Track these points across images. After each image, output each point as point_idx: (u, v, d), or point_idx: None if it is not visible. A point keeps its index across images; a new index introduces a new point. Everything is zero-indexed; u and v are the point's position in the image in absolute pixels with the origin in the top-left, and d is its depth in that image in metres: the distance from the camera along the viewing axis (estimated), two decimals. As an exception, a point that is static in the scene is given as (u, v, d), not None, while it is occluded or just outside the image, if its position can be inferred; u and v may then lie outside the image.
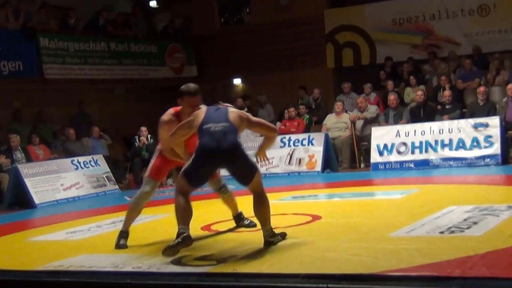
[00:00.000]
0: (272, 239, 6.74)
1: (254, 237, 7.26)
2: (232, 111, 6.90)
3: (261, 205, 6.80)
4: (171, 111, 7.51)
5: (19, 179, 13.34)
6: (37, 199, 13.25)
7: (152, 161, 7.68)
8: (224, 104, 7.17)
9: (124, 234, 7.58)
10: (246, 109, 17.77)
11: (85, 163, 14.67)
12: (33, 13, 17.41)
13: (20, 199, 13.31)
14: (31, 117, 17.21)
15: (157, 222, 9.43)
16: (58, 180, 13.92)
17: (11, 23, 16.47)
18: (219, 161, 6.64)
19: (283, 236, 6.90)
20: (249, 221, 8.05)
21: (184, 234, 6.27)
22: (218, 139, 6.50)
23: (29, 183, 13.34)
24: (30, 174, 13.50)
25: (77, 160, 14.63)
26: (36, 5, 17.78)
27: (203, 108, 6.96)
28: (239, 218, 8.12)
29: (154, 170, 7.56)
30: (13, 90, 16.83)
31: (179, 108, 7.46)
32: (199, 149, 6.55)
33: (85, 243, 8.08)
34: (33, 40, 16.53)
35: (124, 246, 7.41)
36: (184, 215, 6.48)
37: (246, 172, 6.76)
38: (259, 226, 6.96)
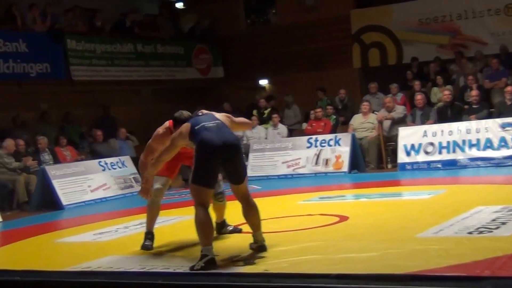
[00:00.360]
0: (264, 243, 6.65)
1: (282, 238, 7.27)
2: (217, 114, 6.92)
3: (253, 210, 6.71)
4: (166, 124, 7.54)
5: (47, 181, 13.40)
6: (64, 201, 13.30)
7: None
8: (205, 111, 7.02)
9: (148, 235, 7.63)
10: (269, 109, 17.82)
11: (112, 164, 14.73)
12: (60, 15, 17.52)
13: (47, 200, 13.37)
14: (58, 119, 17.31)
15: (184, 223, 9.43)
16: (86, 181, 13.97)
17: (39, 25, 16.59)
18: (222, 153, 6.42)
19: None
20: (232, 227, 8.04)
21: (208, 257, 6.15)
22: (217, 132, 6.48)
23: (56, 184, 13.40)
24: (58, 175, 13.57)
25: (104, 161, 14.69)
26: (63, 7, 17.89)
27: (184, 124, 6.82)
28: (222, 225, 8.05)
29: (163, 168, 7.55)
30: (40, 92, 16.97)
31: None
32: (201, 146, 6.42)
33: (112, 244, 8.13)
34: (60, 42, 16.63)
35: (150, 247, 7.46)
36: (206, 233, 6.35)
37: (241, 170, 6.69)
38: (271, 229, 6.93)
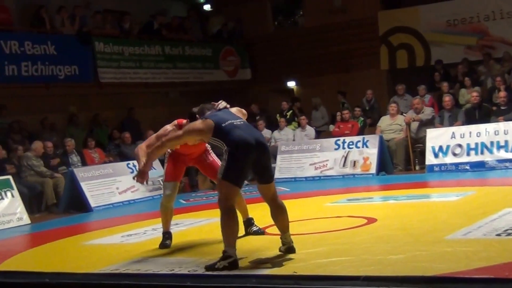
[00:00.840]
0: (293, 245, 6.60)
1: (310, 240, 7.28)
2: (233, 110, 6.99)
3: (282, 212, 6.67)
4: (175, 122, 7.84)
5: (75, 183, 13.49)
6: (93, 203, 13.38)
7: (165, 166, 8.06)
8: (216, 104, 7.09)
9: (166, 235, 7.91)
10: (291, 111, 17.84)
11: (140, 166, 14.75)
12: (88, 17, 17.64)
13: (76, 202, 13.46)
14: (86, 121, 17.43)
15: (212, 225, 9.43)
16: (114, 183, 14.03)
17: (67, 28, 16.71)
18: (256, 152, 6.40)
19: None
20: (257, 228, 8.08)
21: (231, 259, 6.16)
22: (249, 131, 6.51)
23: (85, 186, 13.47)
24: (86, 177, 13.64)
25: (133, 163, 14.73)
26: (92, 10, 18.01)
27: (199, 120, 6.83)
28: (249, 224, 8.10)
29: (169, 173, 7.94)
30: (68, 94, 17.09)
31: (183, 121, 7.69)
32: (236, 144, 6.36)
33: (140, 246, 8.16)
34: (88, 44, 16.73)
35: (168, 245, 7.75)
36: (230, 233, 6.34)
37: (271, 169, 6.76)
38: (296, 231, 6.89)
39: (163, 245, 7.77)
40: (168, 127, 7.74)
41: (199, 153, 7.95)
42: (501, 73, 16.54)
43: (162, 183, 7.91)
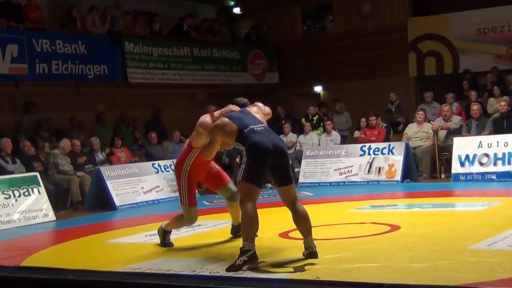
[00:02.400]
0: (315, 249, 6.63)
1: (333, 246, 7.27)
2: (255, 112, 7.10)
3: (303, 216, 6.76)
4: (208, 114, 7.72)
5: (101, 181, 13.59)
6: (117, 201, 13.46)
7: (185, 191, 7.82)
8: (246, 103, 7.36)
9: (168, 233, 8.07)
10: (317, 116, 17.83)
11: (165, 166, 14.83)
12: (119, 18, 17.75)
13: (101, 200, 13.56)
14: (113, 120, 17.55)
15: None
16: (139, 183, 14.10)
17: (98, 27, 16.84)
18: (273, 157, 6.58)
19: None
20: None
21: (249, 252, 6.28)
22: (267, 136, 6.66)
23: (110, 185, 13.56)
24: (112, 176, 13.73)
25: (158, 163, 14.82)
26: (122, 10, 18.13)
27: (225, 119, 6.99)
28: (239, 229, 7.89)
29: (193, 198, 7.87)
30: (97, 93, 17.21)
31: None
32: (253, 149, 6.58)
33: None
34: (118, 44, 16.84)
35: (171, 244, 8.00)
36: (251, 229, 6.49)
37: (290, 172, 6.85)
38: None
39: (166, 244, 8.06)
40: (207, 118, 7.62)
41: (210, 162, 8.00)
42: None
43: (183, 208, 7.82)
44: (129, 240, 8.99)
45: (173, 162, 15.14)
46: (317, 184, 14.89)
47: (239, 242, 7.89)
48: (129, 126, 17.53)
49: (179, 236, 8.95)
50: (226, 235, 8.67)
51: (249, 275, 5.96)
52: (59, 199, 13.70)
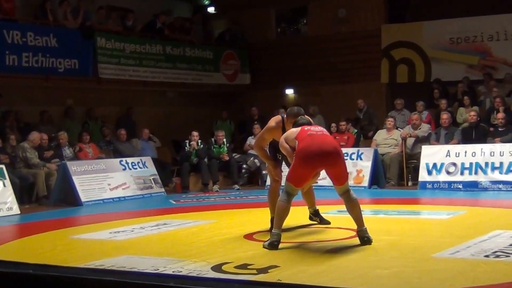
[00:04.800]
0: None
1: (298, 249, 7.27)
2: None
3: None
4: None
5: (67, 176, 13.47)
6: (83, 197, 13.35)
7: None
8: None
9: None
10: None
11: (133, 164, 14.76)
12: (92, 12, 17.61)
13: (66, 196, 13.44)
14: (82, 115, 17.42)
15: (200, 227, 9.46)
16: (106, 179, 14.01)
17: (70, 21, 16.68)
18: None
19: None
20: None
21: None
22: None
23: (76, 180, 13.44)
24: (78, 172, 13.62)
25: (126, 160, 14.74)
26: (96, 5, 17.99)
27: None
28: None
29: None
30: (67, 87, 17.04)
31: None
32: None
33: (127, 244, 8.14)
34: (90, 39, 16.70)
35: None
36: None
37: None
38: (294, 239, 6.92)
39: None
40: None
41: None
42: (501, 94, 16.53)
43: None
44: (94, 237, 8.92)
45: (141, 159, 15.07)
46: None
47: (203, 242, 7.87)
48: (97, 121, 17.39)
49: (143, 234, 8.89)
50: (191, 235, 8.65)
51: (211, 276, 5.91)
52: (24, 192, 13.55)
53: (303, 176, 7.43)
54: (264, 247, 7.26)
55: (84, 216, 12.27)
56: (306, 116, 8.15)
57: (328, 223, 8.96)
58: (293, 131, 7.59)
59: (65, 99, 17.27)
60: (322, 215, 9.19)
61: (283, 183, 8.07)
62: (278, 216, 7.38)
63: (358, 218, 7.44)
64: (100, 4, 18.07)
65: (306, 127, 7.55)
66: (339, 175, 7.46)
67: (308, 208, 9.04)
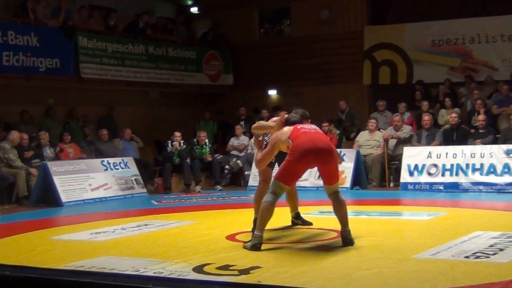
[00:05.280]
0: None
1: (279, 250, 7.27)
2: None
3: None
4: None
5: (48, 177, 13.39)
6: (64, 198, 13.28)
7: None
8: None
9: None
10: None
11: (114, 164, 14.71)
12: (74, 11, 17.51)
13: (47, 196, 13.34)
14: (64, 115, 17.31)
15: (182, 228, 9.43)
16: (87, 180, 13.94)
17: (52, 20, 16.56)
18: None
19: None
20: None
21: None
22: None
23: (57, 181, 13.37)
24: (59, 172, 13.54)
25: (107, 161, 14.67)
26: (78, 4, 17.89)
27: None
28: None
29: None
30: (48, 87, 16.92)
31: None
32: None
33: (108, 244, 8.09)
34: (72, 38, 16.60)
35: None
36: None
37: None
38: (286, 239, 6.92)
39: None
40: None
41: None
42: (482, 96, 16.61)
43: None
44: (74, 237, 8.86)
45: (122, 160, 15.01)
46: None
47: (185, 243, 7.85)
48: (78, 121, 17.30)
49: (124, 235, 8.86)
50: (173, 236, 8.63)
51: (189, 277, 5.88)
52: (4, 193, 13.46)
53: (296, 173, 7.47)
54: (245, 248, 7.25)
55: (64, 216, 12.20)
56: (299, 110, 8.29)
57: (310, 224, 8.99)
58: (284, 132, 7.56)
59: (46, 99, 17.14)
60: (304, 216, 9.19)
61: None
62: (262, 217, 7.33)
63: (343, 219, 7.45)
64: (82, 3, 17.97)
65: (299, 126, 7.57)
66: (331, 174, 7.48)
67: (290, 211, 9.04)
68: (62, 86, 17.20)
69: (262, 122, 8.93)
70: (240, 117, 18.79)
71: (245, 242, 7.40)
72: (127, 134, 16.66)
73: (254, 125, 8.71)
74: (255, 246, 7.16)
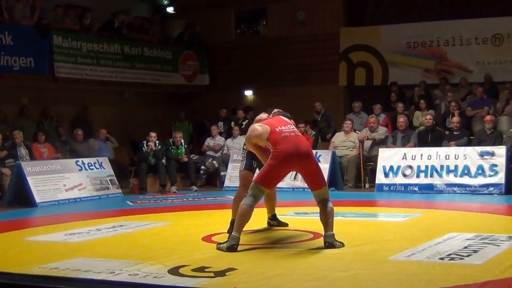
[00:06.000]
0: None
1: (254, 251, 7.26)
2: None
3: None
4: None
5: (22, 177, 13.26)
6: (38, 198, 13.16)
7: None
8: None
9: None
10: (247, 120, 17.78)
11: (89, 164, 14.62)
12: (49, 10, 17.38)
13: (21, 197, 13.19)
14: (38, 115, 17.18)
15: (157, 229, 9.40)
16: (61, 180, 13.83)
17: (26, 19, 16.43)
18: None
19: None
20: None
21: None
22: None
23: (31, 181, 13.24)
24: (33, 172, 13.42)
25: (82, 161, 14.58)
26: (52, 2, 17.76)
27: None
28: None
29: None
30: (22, 86, 16.78)
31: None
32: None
33: (83, 246, 8.04)
34: (46, 37, 16.49)
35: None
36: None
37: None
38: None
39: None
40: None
41: None
42: (456, 98, 16.72)
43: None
44: (48, 238, 8.78)
45: (97, 160, 14.93)
46: (242, 188, 14.83)
47: (160, 244, 7.82)
48: (52, 121, 17.16)
49: (99, 236, 8.81)
50: (149, 237, 8.60)
51: (165, 279, 5.86)
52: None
53: (277, 176, 7.52)
54: (219, 249, 7.25)
55: (38, 217, 12.08)
56: (277, 110, 8.42)
57: (286, 225, 9.02)
58: (263, 132, 7.55)
59: (20, 98, 17.02)
60: (280, 217, 9.20)
61: None
62: (240, 219, 7.31)
63: (327, 224, 7.43)
64: (57, 2, 17.84)
65: (278, 128, 7.52)
66: (314, 176, 7.49)
67: (267, 213, 9.04)
68: (36, 85, 17.07)
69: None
70: (219, 118, 18.78)
71: (220, 244, 7.37)
72: (102, 134, 16.57)
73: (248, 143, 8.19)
74: (232, 247, 7.14)
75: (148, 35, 20.08)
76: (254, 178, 7.70)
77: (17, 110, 16.72)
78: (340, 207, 11.38)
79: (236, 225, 7.34)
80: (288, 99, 19.72)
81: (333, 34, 19.76)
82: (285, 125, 7.65)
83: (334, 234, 7.36)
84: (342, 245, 7.32)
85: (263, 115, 8.24)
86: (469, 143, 14.45)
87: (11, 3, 16.47)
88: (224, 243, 7.30)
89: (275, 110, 8.40)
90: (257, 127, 7.65)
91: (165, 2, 22.43)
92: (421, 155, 13.89)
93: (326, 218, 7.42)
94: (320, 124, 17.85)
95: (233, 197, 8.65)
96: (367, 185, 15.03)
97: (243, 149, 8.64)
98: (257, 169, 8.27)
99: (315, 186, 7.46)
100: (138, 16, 20.64)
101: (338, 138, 15.70)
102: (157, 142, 15.89)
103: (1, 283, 3.26)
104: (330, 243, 7.29)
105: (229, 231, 7.84)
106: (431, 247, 7.15)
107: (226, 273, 6.07)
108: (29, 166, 13.52)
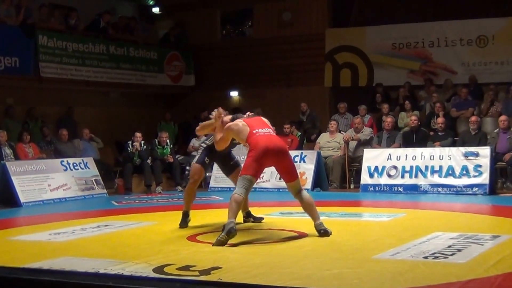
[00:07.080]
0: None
1: (239, 250, 7.27)
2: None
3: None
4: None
5: (6, 177, 13.21)
6: (23, 198, 13.12)
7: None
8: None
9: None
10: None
11: (74, 165, 14.58)
12: (34, 10, 17.32)
13: (5, 196, 13.14)
14: (23, 115, 17.11)
15: (142, 229, 9.39)
16: (46, 180, 13.80)
17: (11, 18, 16.37)
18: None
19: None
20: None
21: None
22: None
23: (16, 181, 13.20)
24: (18, 172, 13.38)
25: (67, 161, 14.53)
26: (38, 2, 17.70)
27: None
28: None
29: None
30: (7, 86, 16.71)
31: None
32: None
33: (68, 245, 8.02)
34: (31, 37, 16.43)
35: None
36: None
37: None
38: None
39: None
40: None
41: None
42: (441, 99, 16.80)
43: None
44: (33, 238, 8.76)
45: (82, 160, 14.88)
46: (227, 189, 14.79)
47: (145, 244, 7.82)
48: (37, 121, 17.09)
49: (84, 235, 8.79)
50: (134, 237, 8.59)
51: (152, 276, 5.87)
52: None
53: (259, 166, 8.00)
54: (217, 243, 7.41)
55: (23, 217, 12.06)
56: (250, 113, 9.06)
57: (262, 219, 9.48)
58: (242, 130, 8.19)
59: (5, 98, 16.95)
60: (266, 217, 9.25)
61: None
62: (233, 208, 7.63)
63: (313, 213, 8.05)
64: (43, 1, 17.79)
65: (255, 130, 8.08)
66: (288, 169, 8.08)
67: (242, 211, 9.17)
68: (21, 85, 17.02)
69: (204, 123, 9.46)
70: (207, 118, 18.67)
71: (216, 239, 7.50)
72: (86, 134, 16.51)
73: (197, 128, 9.34)
74: (231, 230, 7.45)
75: (134, 35, 20.04)
76: (240, 173, 8.09)
77: (2, 110, 16.65)
78: (325, 207, 11.40)
79: (230, 212, 7.61)
80: (273, 100, 19.76)
81: (319, 35, 19.79)
82: (263, 128, 8.23)
83: (322, 222, 8.04)
84: (331, 232, 7.93)
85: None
86: (453, 144, 14.53)
87: (2, 3, 16.39)
88: (219, 236, 7.48)
89: (249, 113, 9.13)
90: (238, 122, 8.26)
91: (151, 3, 22.39)
92: (406, 155, 13.94)
93: (310, 207, 8.07)
94: (306, 125, 17.89)
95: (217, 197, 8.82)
96: (352, 186, 15.09)
97: (204, 143, 9.30)
98: (209, 167, 9.08)
99: (291, 178, 8.09)
100: (124, 16, 20.60)
101: (323, 138, 15.73)
102: (142, 142, 15.88)
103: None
104: (325, 229, 7.91)
105: (181, 224, 9.02)
106: (416, 246, 7.19)
107: (211, 272, 6.07)
108: (14, 166, 13.48)
